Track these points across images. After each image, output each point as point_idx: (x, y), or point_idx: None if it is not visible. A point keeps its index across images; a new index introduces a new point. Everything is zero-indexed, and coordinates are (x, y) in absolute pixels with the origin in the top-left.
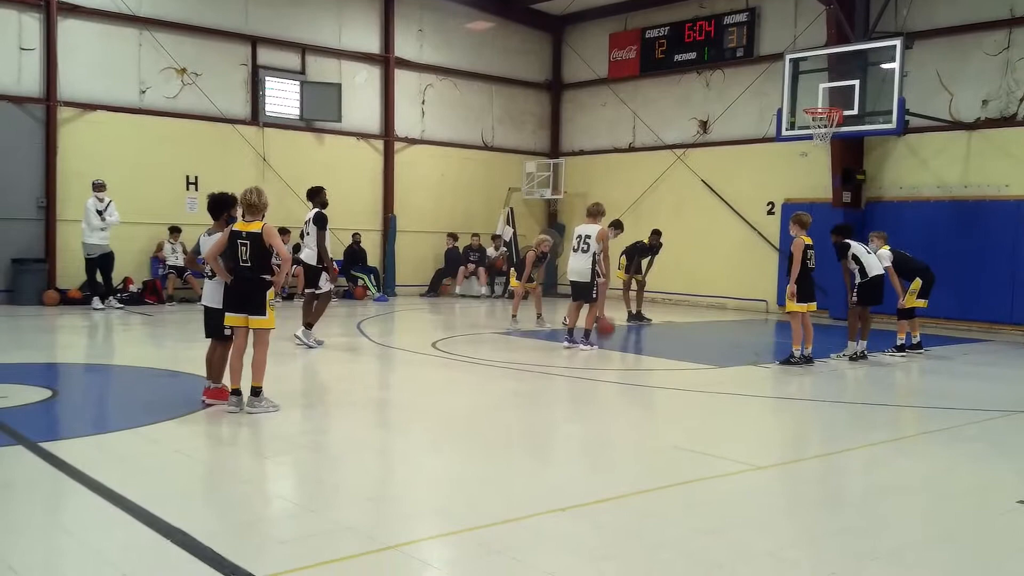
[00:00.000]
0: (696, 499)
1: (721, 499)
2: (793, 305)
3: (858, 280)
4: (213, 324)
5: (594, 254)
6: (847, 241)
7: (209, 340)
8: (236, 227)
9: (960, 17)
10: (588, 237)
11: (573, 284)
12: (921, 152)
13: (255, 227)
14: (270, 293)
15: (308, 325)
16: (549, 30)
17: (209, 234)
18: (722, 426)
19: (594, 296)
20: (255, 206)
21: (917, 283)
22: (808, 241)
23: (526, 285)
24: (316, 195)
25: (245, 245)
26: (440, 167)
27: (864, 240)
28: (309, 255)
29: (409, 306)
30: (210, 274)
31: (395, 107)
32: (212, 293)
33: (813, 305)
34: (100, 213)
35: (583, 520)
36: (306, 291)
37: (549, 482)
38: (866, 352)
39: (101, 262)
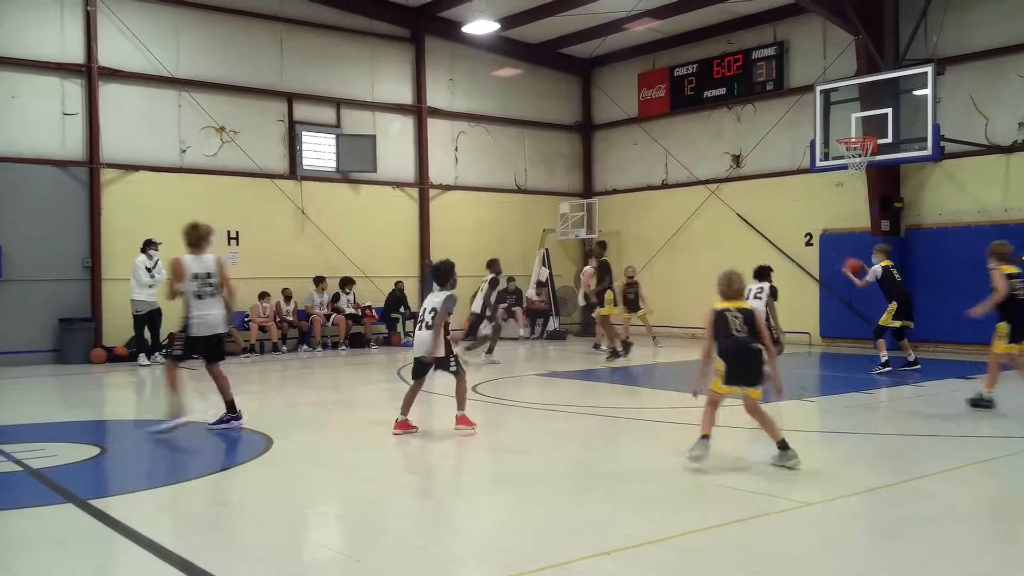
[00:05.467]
0: (744, 538)
1: (770, 537)
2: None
3: None
4: (419, 368)
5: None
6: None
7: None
8: (720, 306)
9: (991, 41)
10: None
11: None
12: (959, 177)
13: (745, 305)
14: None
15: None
16: (578, 73)
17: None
18: (769, 462)
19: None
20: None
21: (893, 305)
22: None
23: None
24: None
25: (738, 319)
26: (475, 211)
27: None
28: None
29: None
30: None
31: (428, 155)
32: (422, 344)
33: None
34: (149, 270)
35: (629, 563)
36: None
37: (594, 524)
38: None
39: (149, 319)
